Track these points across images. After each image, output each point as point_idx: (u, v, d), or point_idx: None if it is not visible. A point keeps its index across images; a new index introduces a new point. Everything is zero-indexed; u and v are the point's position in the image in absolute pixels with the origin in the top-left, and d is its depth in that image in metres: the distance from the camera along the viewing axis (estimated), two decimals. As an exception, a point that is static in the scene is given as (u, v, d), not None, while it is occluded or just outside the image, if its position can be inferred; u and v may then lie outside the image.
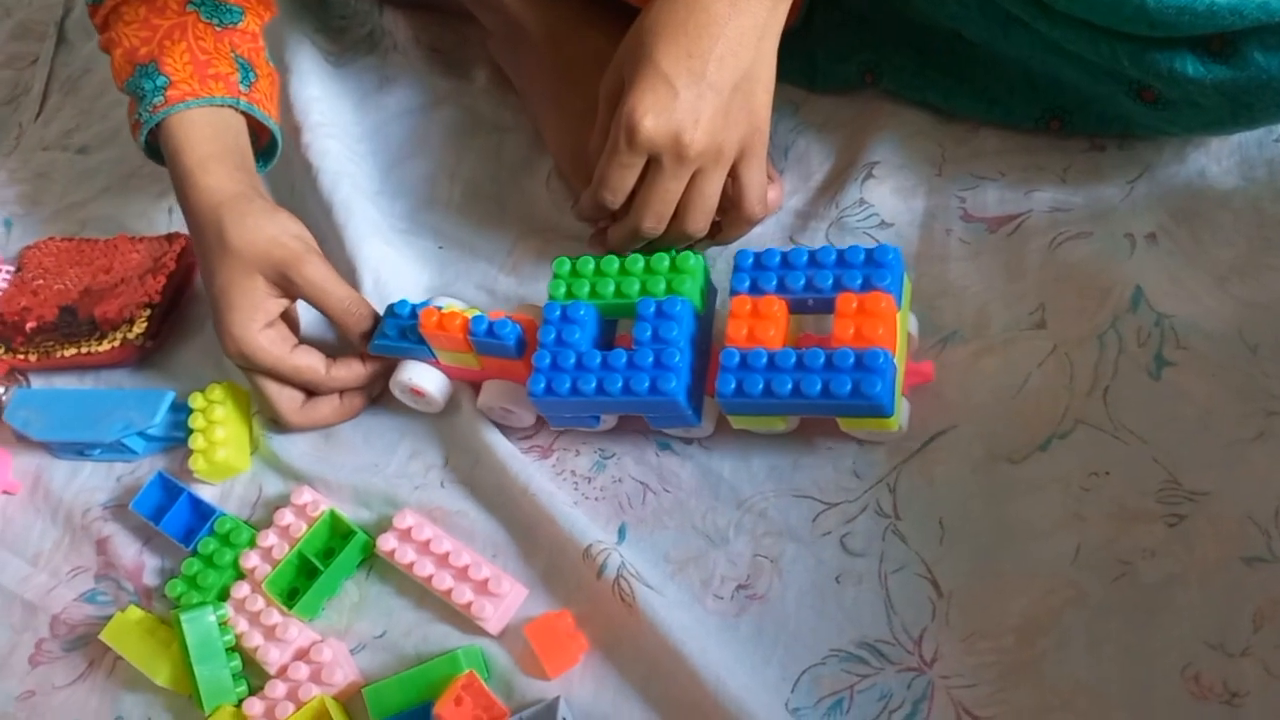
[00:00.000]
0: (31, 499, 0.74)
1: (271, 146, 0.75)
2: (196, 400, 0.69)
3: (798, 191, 0.69)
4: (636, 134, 0.58)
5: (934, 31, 0.66)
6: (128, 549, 0.69)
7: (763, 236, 0.67)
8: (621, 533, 0.60)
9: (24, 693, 0.66)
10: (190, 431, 0.69)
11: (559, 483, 0.63)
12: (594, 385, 0.57)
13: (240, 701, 0.61)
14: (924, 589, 0.54)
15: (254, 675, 0.62)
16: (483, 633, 0.59)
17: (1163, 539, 0.52)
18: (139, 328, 0.75)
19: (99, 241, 0.82)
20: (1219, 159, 0.61)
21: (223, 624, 0.62)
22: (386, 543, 0.61)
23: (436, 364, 0.65)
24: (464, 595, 0.59)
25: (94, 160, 0.91)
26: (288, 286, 0.65)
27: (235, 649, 0.62)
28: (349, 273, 0.71)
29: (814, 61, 0.71)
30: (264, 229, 0.65)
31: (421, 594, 0.62)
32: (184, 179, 0.67)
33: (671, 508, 0.60)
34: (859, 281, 0.55)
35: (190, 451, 0.69)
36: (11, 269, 0.82)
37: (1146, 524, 0.52)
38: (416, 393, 0.65)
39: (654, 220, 0.61)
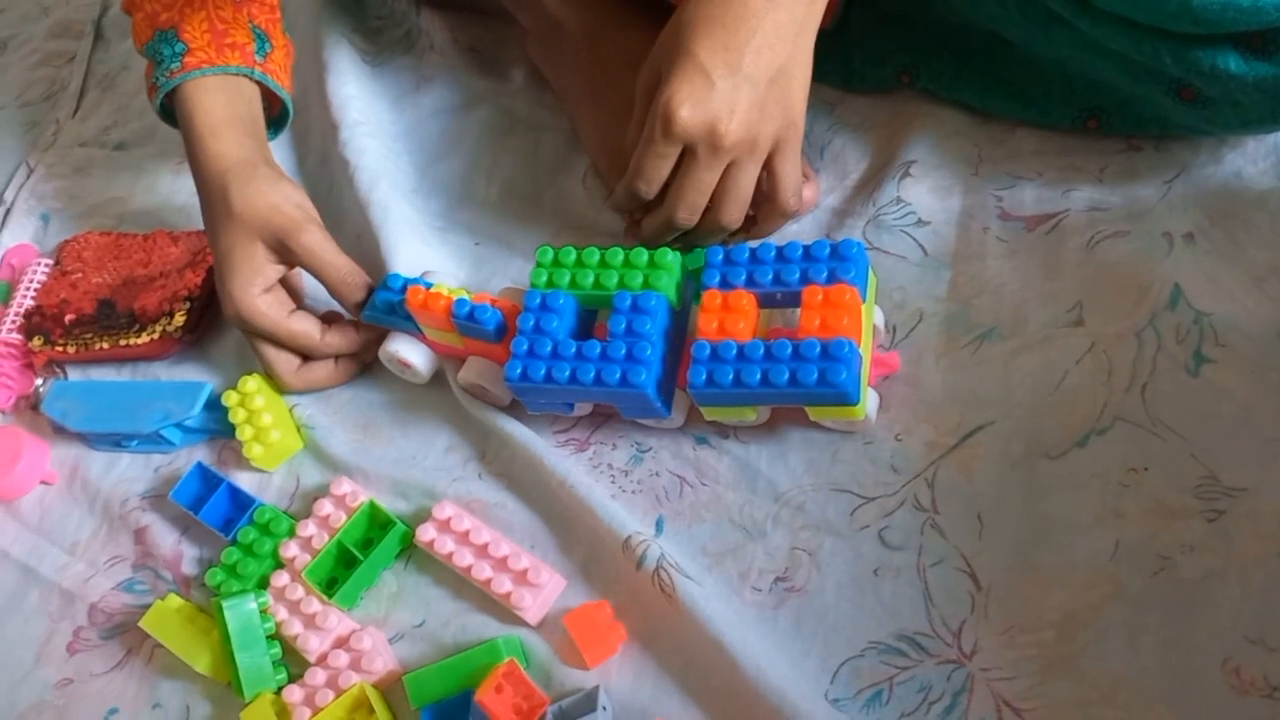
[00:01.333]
0: (69, 489, 0.74)
1: (283, 115, 0.78)
2: (231, 398, 0.70)
3: (834, 190, 0.69)
4: (672, 123, 0.58)
5: (972, 32, 0.66)
6: (166, 538, 0.70)
7: (800, 233, 0.68)
8: (659, 525, 0.61)
9: (62, 680, 0.67)
10: (233, 427, 0.69)
11: (596, 475, 0.63)
12: (568, 374, 0.59)
13: (280, 689, 0.61)
14: (963, 582, 0.54)
15: (293, 663, 0.63)
16: (521, 623, 0.59)
17: (1202, 534, 0.52)
18: (178, 320, 0.75)
19: (137, 236, 0.82)
20: (1255, 160, 0.62)
21: (263, 612, 0.63)
22: (426, 533, 0.62)
23: (422, 338, 0.67)
24: (503, 585, 0.59)
25: (132, 156, 0.91)
26: (286, 254, 0.67)
27: (275, 637, 0.63)
28: (385, 270, 0.72)
29: (850, 63, 0.72)
30: (266, 196, 0.67)
31: (459, 584, 0.62)
32: (195, 144, 0.70)
33: (709, 501, 0.61)
34: (824, 275, 0.57)
35: (239, 445, 0.69)
36: (49, 262, 0.83)
37: (1185, 519, 0.52)
38: (403, 364, 0.68)
39: (687, 211, 0.62)
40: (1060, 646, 0.51)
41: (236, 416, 0.69)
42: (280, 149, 0.86)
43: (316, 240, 0.67)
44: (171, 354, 0.78)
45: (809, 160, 0.70)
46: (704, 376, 0.56)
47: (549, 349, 0.60)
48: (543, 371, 0.59)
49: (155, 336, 0.76)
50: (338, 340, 0.70)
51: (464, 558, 0.61)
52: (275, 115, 0.78)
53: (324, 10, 0.88)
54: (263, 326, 0.68)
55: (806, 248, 0.58)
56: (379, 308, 0.67)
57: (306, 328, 0.69)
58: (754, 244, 0.60)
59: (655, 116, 0.59)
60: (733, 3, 0.58)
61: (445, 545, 0.61)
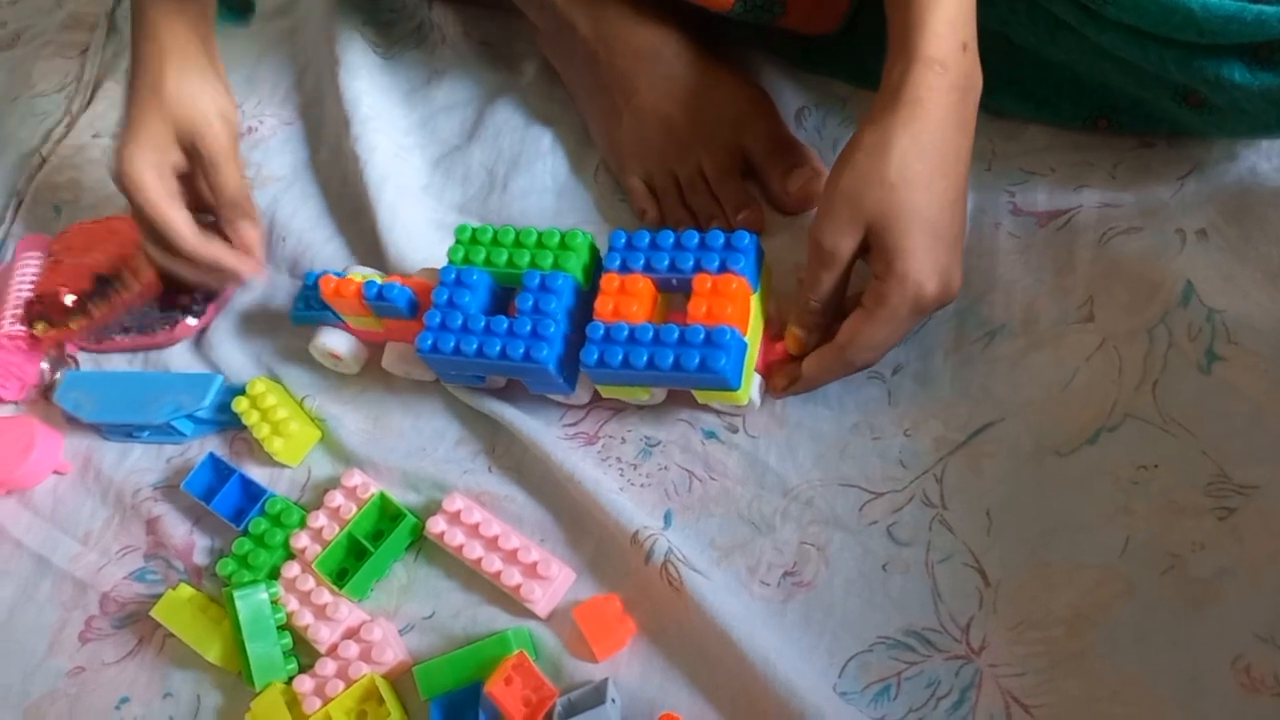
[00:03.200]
0: (82, 479, 0.75)
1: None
2: (240, 403, 0.70)
3: (845, 185, 0.69)
4: (924, 303, 0.56)
5: (982, 33, 0.66)
6: (178, 528, 0.70)
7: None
8: (667, 519, 0.61)
9: (74, 669, 0.67)
10: (245, 426, 0.70)
11: (605, 469, 0.63)
12: (475, 347, 0.61)
13: (290, 679, 0.61)
14: (971, 579, 0.54)
15: (304, 653, 0.63)
16: (531, 615, 0.60)
17: (1212, 532, 0.52)
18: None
19: (127, 216, 0.82)
20: (1270, 157, 0.61)
21: (274, 602, 0.63)
22: (436, 525, 0.62)
23: (348, 328, 0.69)
24: (513, 578, 0.59)
25: (144, 148, 0.92)
26: (194, 154, 0.69)
27: (286, 627, 0.63)
28: (395, 269, 0.72)
29: (864, 62, 0.72)
30: (202, 95, 0.69)
31: (469, 576, 0.63)
32: (142, 22, 0.70)
33: (718, 495, 0.61)
34: (716, 264, 0.59)
35: (250, 436, 0.70)
36: (41, 256, 0.83)
37: (1196, 517, 0.52)
38: (334, 356, 0.70)
39: (874, 356, 0.59)
40: (1069, 644, 0.51)
41: (250, 418, 0.69)
42: (293, 141, 0.87)
43: (223, 150, 0.69)
44: (176, 340, 0.78)
45: (820, 154, 0.70)
46: (595, 356, 0.59)
47: (459, 323, 0.62)
48: (451, 344, 0.61)
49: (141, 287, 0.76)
50: (202, 246, 0.70)
51: (474, 550, 0.61)
52: None
53: (336, 3, 0.88)
54: (138, 198, 0.68)
55: (702, 236, 0.60)
56: (301, 308, 0.70)
57: (179, 219, 0.69)
58: (654, 230, 0.61)
59: (902, 293, 0.55)
60: (945, 149, 0.56)
61: (455, 538, 0.62)
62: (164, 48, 0.69)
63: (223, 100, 0.70)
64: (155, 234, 0.70)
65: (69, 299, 0.79)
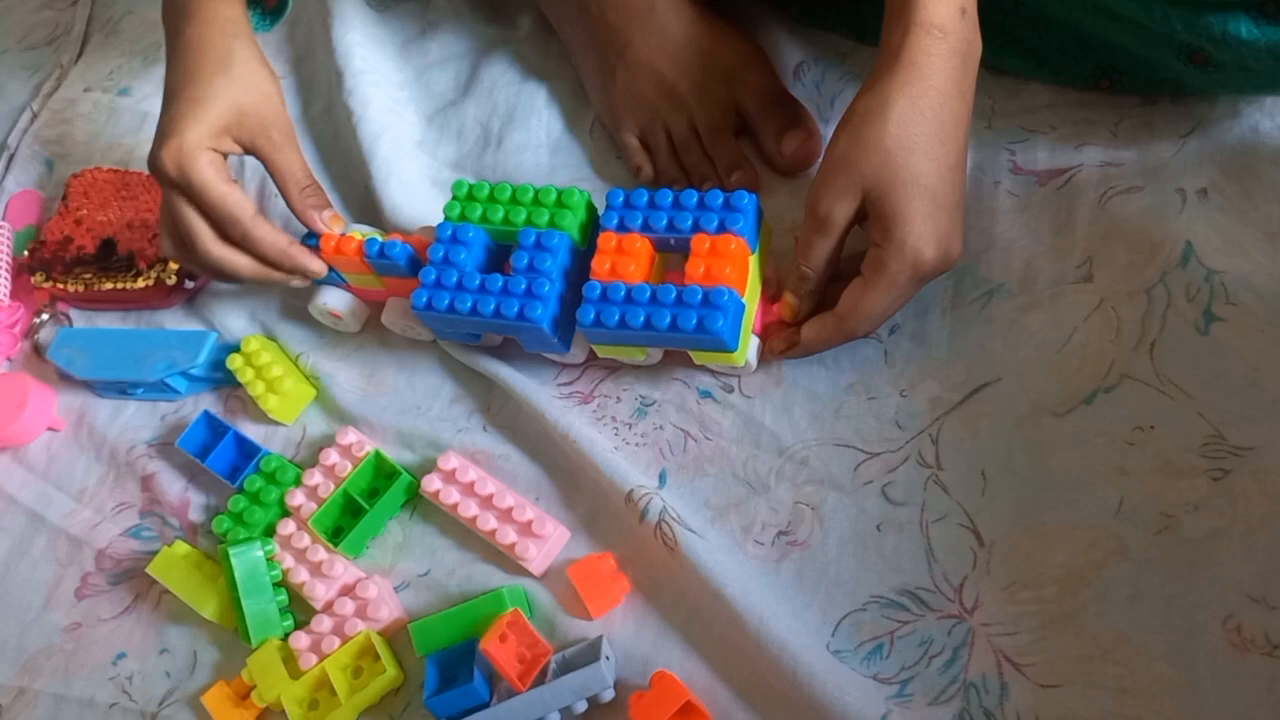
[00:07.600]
0: (75, 436, 0.75)
1: (281, 6, 0.73)
2: (235, 360, 0.70)
3: (844, 142, 0.68)
4: (923, 270, 0.55)
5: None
6: (173, 485, 0.70)
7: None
8: (662, 478, 0.61)
9: (70, 624, 0.68)
10: (239, 384, 0.70)
11: (599, 428, 0.63)
12: (469, 305, 0.60)
13: (286, 635, 0.62)
14: (965, 539, 0.54)
15: (300, 610, 0.63)
16: (526, 573, 0.60)
17: (1206, 493, 0.52)
18: (174, 265, 0.75)
19: (143, 174, 0.82)
20: (1273, 115, 0.61)
21: (270, 560, 0.63)
22: (431, 483, 0.62)
23: (349, 288, 0.69)
24: (508, 536, 0.59)
25: (135, 101, 0.90)
26: (253, 138, 0.64)
27: (282, 584, 0.63)
28: (391, 224, 0.72)
29: (864, 18, 0.71)
30: (269, 82, 0.65)
31: (464, 534, 0.63)
32: (198, 8, 0.65)
33: (712, 455, 0.61)
34: (715, 224, 0.59)
35: (245, 394, 0.70)
36: (9, 230, 0.82)
37: (1190, 478, 0.52)
38: (334, 315, 0.70)
39: (871, 327, 0.59)
40: (1062, 603, 0.51)
41: (245, 376, 0.69)
42: (285, 96, 0.85)
43: (288, 140, 0.65)
44: (171, 304, 0.77)
45: (818, 111, 0.69)
46: (592, 316, 0.58)
47: (455, 280, 0.61)
48: (446, 301, 0.61)
49: (150, 283, 0.75)
50: (267, 230, 0.63)
51: (469, 508, 0.61)
52: (273, 5, 0.74)
53: (330, -46, 0.86)
54: (201, 181, 0.61)
55: (701, 196, 0.60)
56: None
57: (240, 199, 0.63)
58: (653, 190, 0.61)
59: (901, 259, 0.54)
60: (944, 115, 0.55)
61: (450, 496, 0.62)
62: (233, 32, 0.65)
63: (279, 85, 0.66)
64: (216, 224, 0.64)
65: (70, 256, 0.78)
